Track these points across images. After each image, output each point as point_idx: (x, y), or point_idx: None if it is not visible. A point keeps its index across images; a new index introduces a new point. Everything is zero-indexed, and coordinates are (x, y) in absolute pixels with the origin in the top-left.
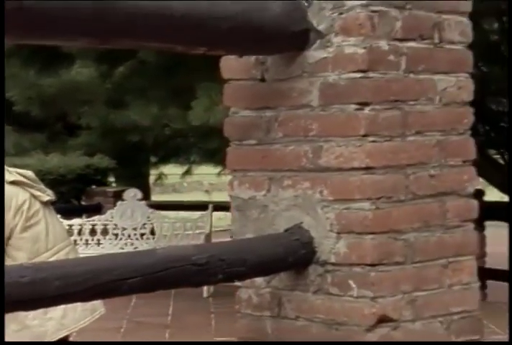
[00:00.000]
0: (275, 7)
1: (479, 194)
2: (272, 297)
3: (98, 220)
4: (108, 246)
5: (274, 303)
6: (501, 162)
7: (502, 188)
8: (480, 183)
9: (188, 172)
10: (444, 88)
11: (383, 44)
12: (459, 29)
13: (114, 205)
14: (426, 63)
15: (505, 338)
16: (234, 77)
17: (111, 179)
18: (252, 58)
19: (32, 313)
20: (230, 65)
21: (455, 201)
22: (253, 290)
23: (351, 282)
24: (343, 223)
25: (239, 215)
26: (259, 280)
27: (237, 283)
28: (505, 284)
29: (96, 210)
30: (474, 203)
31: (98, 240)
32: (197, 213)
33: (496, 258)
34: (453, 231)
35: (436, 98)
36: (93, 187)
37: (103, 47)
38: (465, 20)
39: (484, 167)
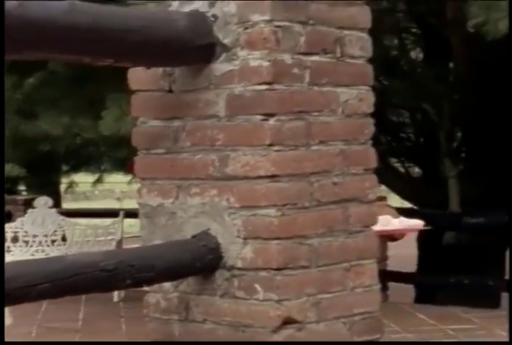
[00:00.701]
0: (181, 21)
1: (380, 200)
2: (180, 302)
3: (8, 227)
4: (19, 254)
5: (181, 307)
6: (401, 170)
7: (402, 195)
8: (382, 190)
9: (99, 181)
10: (346, 100)
11: (287, 58)
12: (359, 44)
13: (25, 213)
14: (329, 76)
15: (404, 337)
16: (142, 88)
17: (22, 187)
18: (160, 70)
19: None
20: (138, 76)
21: (357, 207)
22: (161, 294)
23: (257, 285)
24: (249, 229)
25: (147, 222)
26: (167, 285)
27: (146, 288)
28: (406, 286)
29: (6, 218)
30: (375, 209)
31: (8, 247)
32: (108, 220)
33: (397, 261)
34: (355, 236)
35: (338, 110)
36: None
37: (12, 58)
38: (365, 36)
39: (385, 175)
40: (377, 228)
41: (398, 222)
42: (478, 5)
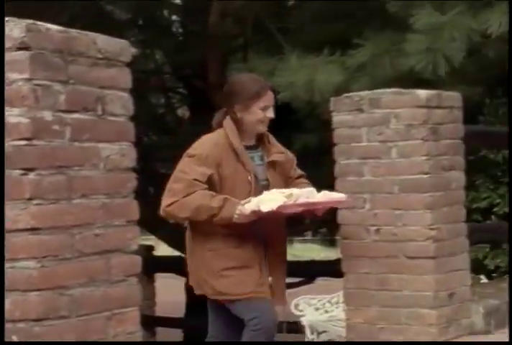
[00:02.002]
0: None
1: (149, 249)
2: None
3: None
4: None
5: None
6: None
7: (170, 244)
8: (152, 240)
9: None
10: (107, 156)
11: (47, 115)
12: (120, 103)
13: None
14: (90, 133)
15: None
16: None
17: None
18: None
19: None
20: None
21: (119, 258)
22: None
23: (14, 337)
24: (8, 282)
25: None
26: None
27: None
28: (174, 330)
29: None
30: (138, 258)
31: None
32: None
33: (165, 307)
34: (117, 285)
35: (100, 165)
36: None
37: None
38: (126, 95)
39: (154, 225)
40: (301, 200)
41: (322, 194)
42: (237, 69)
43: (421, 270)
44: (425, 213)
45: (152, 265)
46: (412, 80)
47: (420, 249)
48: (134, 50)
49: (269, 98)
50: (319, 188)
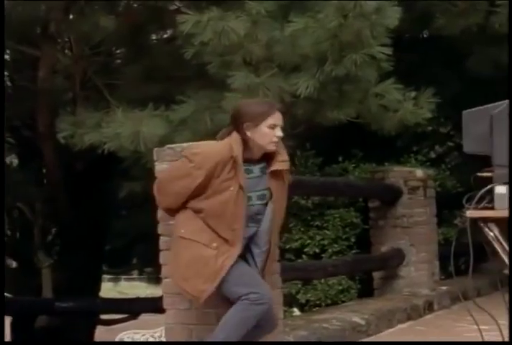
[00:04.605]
0: None
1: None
2: None
3: None
4: None
5: None
6: None
7: None
8: None
9: None
10: None
11: None
12: None
13: None
14: None
15: None
16: None
17: None
18: None
19: None
20: None
21: None
22: None
23: None
24: None
25: None
26: None
27: None
28: None
29: None
30: None
31: None
32: None
33: None
34: None
35: None
36: None
37: None
38: None
39: None
40: None
41: None
42: (66, 121)
43: None
44: None
45: None
46: None
47: None
48: None
49: (277, 117)
50: (142, 232)
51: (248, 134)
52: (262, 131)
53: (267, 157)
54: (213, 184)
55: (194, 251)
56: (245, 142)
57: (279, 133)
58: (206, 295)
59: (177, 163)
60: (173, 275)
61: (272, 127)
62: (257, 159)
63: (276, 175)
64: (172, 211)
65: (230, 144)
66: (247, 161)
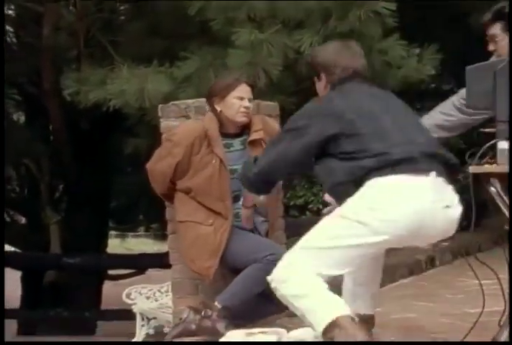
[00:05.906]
0: None
1: None
2: None
3: None
4: None
5: None
6: (7, 218)
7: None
8: None
9: None
10: None
11: None
12: None
13: None
14: None
15: None
16: None
17: None
18: None
19: None
20: None
21: None
22: None
23: None
24: None
25: None
26: None
27: None
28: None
29: None
30: None
31: None
32: None
33: None
34: None
35: None
36: None
37: None
38: None
39: None
40: None
41: None
42: (71, 78)
43: None
44: None
45: None
46: None
47: None
48: None
49: (243, 90)
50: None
51: (217, 108)
52: (228, 103)
53: (249, 130)
54: (193, 161)
55: (192, 232)
56: (218, 118)
57: (246, 103)
58: (212, 271)
59: (160, 147)
60: (184, 259)
61: (240, 99)
62: (237, 133)
63: (255, 145)
64: (168, 197)
65: (204, 120)
66: (226, 136)
